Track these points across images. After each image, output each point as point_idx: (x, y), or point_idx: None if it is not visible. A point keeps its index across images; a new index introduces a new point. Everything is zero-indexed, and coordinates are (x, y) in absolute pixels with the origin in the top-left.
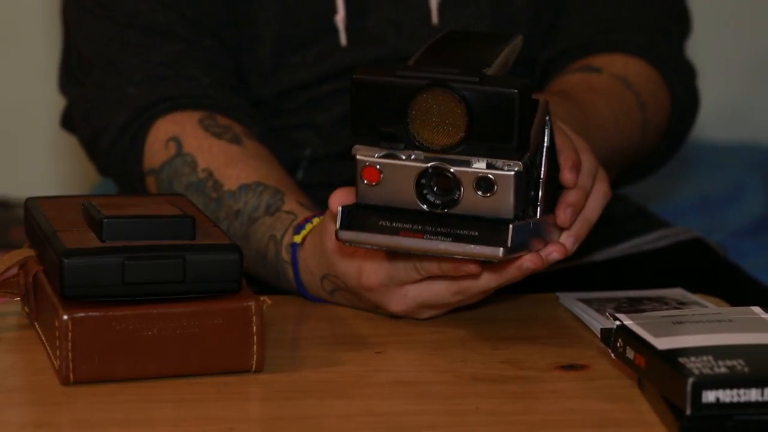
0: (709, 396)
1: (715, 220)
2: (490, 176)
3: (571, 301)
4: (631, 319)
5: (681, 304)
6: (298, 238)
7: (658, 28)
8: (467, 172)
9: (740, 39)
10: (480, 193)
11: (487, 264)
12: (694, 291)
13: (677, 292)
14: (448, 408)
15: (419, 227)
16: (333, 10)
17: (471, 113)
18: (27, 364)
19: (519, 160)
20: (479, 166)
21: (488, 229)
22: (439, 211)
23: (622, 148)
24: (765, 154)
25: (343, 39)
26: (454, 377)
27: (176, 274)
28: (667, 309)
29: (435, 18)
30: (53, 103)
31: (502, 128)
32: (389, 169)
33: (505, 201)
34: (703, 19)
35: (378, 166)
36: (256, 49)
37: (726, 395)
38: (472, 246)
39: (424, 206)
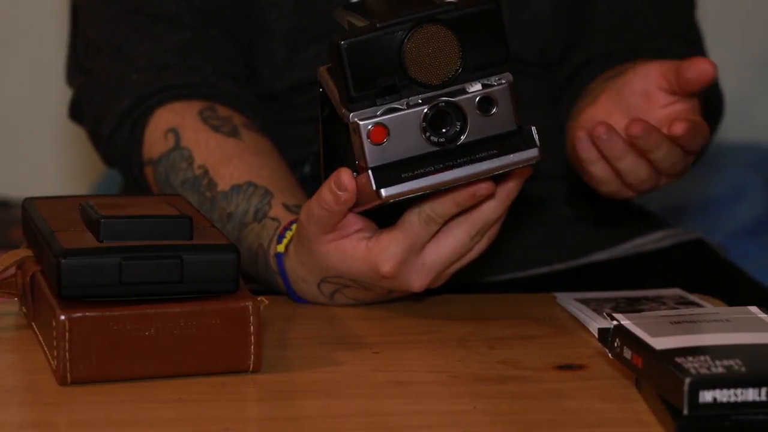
0: (707, 396)
1: (716, 221)
2: (489, 94)
3: (568, 301)
4: (629, 319)
5: (679, 304)
6: (280, 248)
7: (687, 38)
8: (468, 98)
9: (740, 39)
10: (484, 114)
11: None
12: (694, 292)
13: (675, 293)
14: (446, 408)
15: (441, 165)
16: None
17: (462, 38)
18: (24, 365)
19: (507, 72)
20: (475, 89)
21: (502, 142)
22: (449, 146)
23: None
24: (765, 154)
25: None
26: (452, 377)
27: (173, 274)
28: (664, 309)
29: None
30: (54, 102)
31: (492, 42)
32: (394, 123)
33: (506, 113)
34: (705, 19)
35: (383, 124)
36: (267, 43)
37: (723, 395)
38: (508, 156)
39: (434, 147)
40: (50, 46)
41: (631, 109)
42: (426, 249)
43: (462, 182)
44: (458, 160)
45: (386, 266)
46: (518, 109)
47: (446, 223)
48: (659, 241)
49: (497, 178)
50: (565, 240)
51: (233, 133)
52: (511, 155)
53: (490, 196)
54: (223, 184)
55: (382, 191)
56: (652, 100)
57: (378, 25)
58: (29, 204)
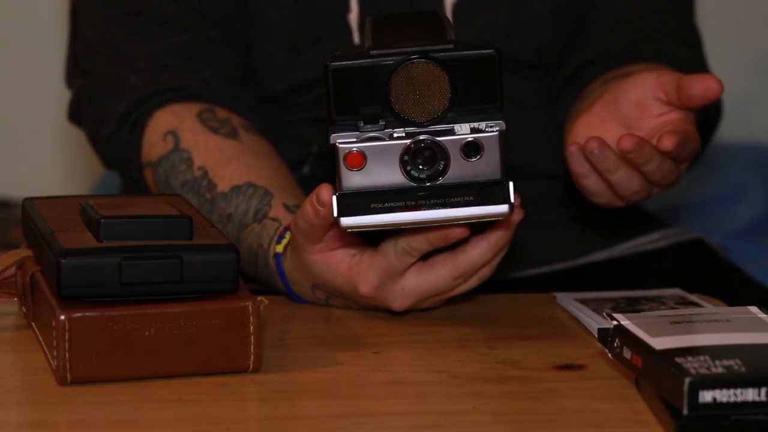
0: (706, 396)
1: (715, 221)
2: (477, 140)
3: (568, 301)
4: (628, 318)
5: (678, 304)
6: (279, 248)
7: (686, 40)
8: (453, 140)
9: (740, 39)
10: (467, 158)
11: (477, 228)
12: (693, 292)
13: (675, 293)
14: (445, 408)
15: (413, 202)
16: (346, 8)
17: (453, 80)
18: (24, 365)
19: (500, 120)
20: (463, 131)
21: (481, 191)
22: (427, 184)
23: None
24: (765, 154)
25: (356, 37)
26: (451, 377)
27: (173, 274)
28: (664, 309)
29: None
30: (54, 102)
31: (485, 90)
32: (373, 152)
33: (492, 162)
34: (704, 20)
35: (362, 151)
36: (266, 45)
37: (723, 395)
38: (478, 208)
39: (412, 182)
40: (50, 46)
41: (624, 118)
42: (407, 275)
43: (427, 225)
44: (431, 201)
45: (363, 288)
46: (506, 159)
47: (437, 254)
48: (658, 241)
49: (474, 225)
50: (564, 240)
51: (232, 134)
52: (482, 207)
53: (463, 240)
54: (223, 186)
55: (342, 220)
56: (646, 110)
57: (372, 52)
58: (29, 204)
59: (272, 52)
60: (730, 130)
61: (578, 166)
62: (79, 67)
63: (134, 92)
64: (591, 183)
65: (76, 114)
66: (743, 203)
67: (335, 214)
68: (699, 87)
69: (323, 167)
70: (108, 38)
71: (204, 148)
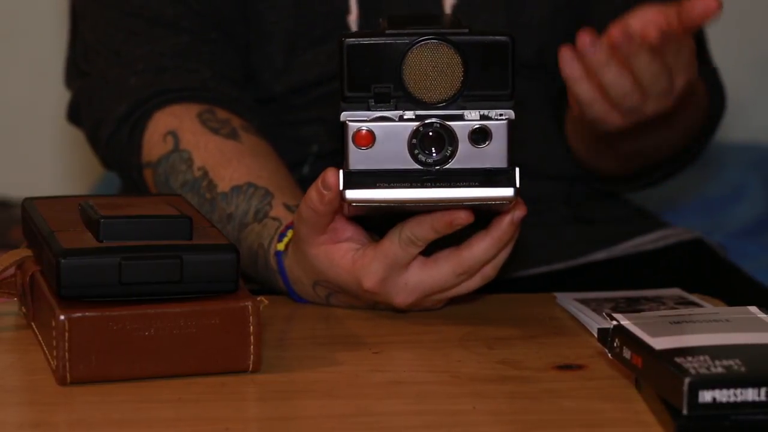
0: (706, 396)
1: (715, 221)
2: (486, 127)
3: (568, 301)
4: (628, 319)
5: (678, 304)
6: (281, 246)
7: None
8: (462, 125)
9: (740, 39)
10: (475, 145)
11: (481, 224)
12: (693, 291)
13: (675, 293)
14: (445, 408)
15: (419, 184)
16: (346, 10)
17: (466, 63)
18: (24, 365)
19: (509, 108)
20: (473, 117)
21: (487, 177)
22: (433, 168)
23: (665, 144)
24: (765, 154)
25: None
26: (451, 377)
27: (173, 274)
28: (664, 309)
29: None
30: (54, 102)
31: (497, 76)
32: (382, 132)
33: (499, 150)
34: None
35: (371, 130)
36: (266, 47)
37: (723, 395)
38: (484, 189)
39: (419, 165)
40: (50, 46)
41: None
42: (411, 270)
43: (431, 204)
44: (437, 184)
45: (368, 282)
46: (513, 148)
47: (441, 249)
48: (658, 240)
49: (481, 214)
50: (564, 240)
51: (232, 135)
52: (486, 189)
53: (468, 236)
54: (223, 186)
55: (347, 193)
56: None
57: (387, 31)
58: (29, 204)
59: (272, 53)
60: (729, 130)
61: (570, 68)
62: (79, 69)
63: (134, 93)
64: (583, 90)
65: (75, 115)
66: (743, 203)
67: (341, 187)
68: (699, 6)
69: (323, 167)
70: (107, 40)
71: (204, 149)
